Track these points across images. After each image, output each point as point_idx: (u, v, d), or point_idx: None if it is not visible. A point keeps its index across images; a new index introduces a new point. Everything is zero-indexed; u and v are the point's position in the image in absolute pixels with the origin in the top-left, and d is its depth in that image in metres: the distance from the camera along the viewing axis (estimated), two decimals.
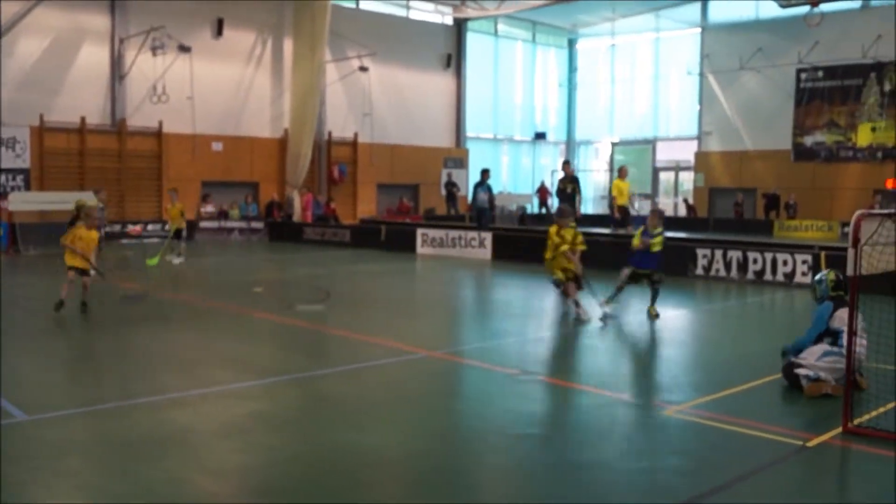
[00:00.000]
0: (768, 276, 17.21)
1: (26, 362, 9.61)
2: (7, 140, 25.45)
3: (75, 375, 9.21)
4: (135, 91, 27.91)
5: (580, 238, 12.67)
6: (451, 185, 34.71)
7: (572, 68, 42.87)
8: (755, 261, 17.41)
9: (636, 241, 12.56)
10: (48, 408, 7.46)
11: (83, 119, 26.88)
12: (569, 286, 12.40)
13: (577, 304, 12.39)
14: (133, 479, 5.63)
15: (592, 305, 12.57)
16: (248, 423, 7.00)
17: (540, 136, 41.48)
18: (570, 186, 22.09)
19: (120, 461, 6.05)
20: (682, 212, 37.51)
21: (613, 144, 41.21)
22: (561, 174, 23.19)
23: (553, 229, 12.66)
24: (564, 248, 12.33)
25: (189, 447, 6.37)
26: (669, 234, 21.88)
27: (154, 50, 26.70)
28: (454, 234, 23.23)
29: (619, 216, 22.79)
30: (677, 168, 39.31)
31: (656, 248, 12.52)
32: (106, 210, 20.33)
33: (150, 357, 9.90)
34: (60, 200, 23.06)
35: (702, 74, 37.18)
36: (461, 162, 37.33)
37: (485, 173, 24.67)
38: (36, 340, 10.90)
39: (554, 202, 32.66)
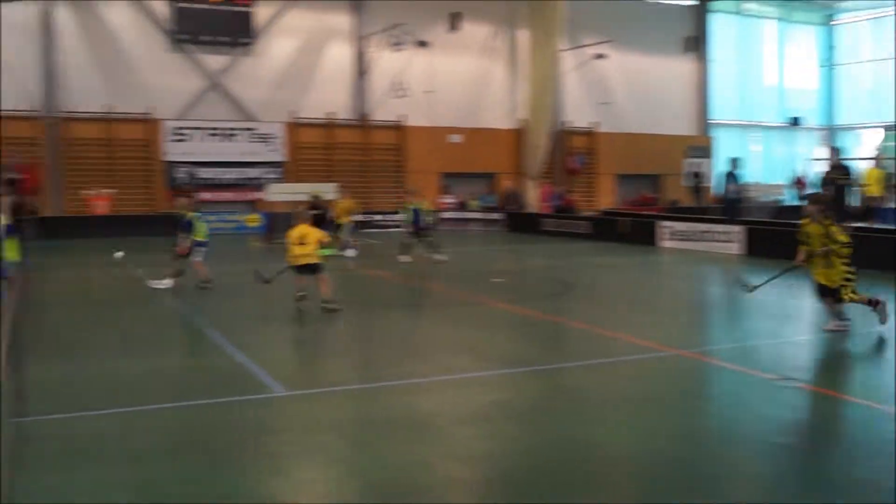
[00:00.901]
0: None
1: (284, 342, 10.28)
2: (264, 136, 27.48)
3: (327, 356, 9.64)
4: (377, 87, 29.20)
5: (837, 234, 9.94)
6: (695, 176, 33.17)
7: (831, 47, 39.52)
8: None
9: None
10: (304, 385, 7.87)
11: (331, 114, 28.43)
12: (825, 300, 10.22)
13: (837, 315, 10.21)
14: (382, 458, 5.73)
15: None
16: (490, 411, 6.93)
17: (795, 122, 38.60)
18: (839, 178, 19.76)
19: (369, 440, 6.18)
20: None
21: (886, 129, 37.35)
22: (825, 163, 21.06)
23: (803, 224, 10.34)
24: (803, 253, 10.15)
25: (434, 431, 6.39)
26: None
27: (394, 46, 27.66)
28: (700, 226, 22.04)
29: (860, 207, 20.28)
30: None
31: None
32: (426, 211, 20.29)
33: (395, 342, 10.15)
34: (309, 191, 24.49)
35: None
36: (706, 150, 35.61)
37: (733, 162, 23.26)
38: (292, 323, 11.53)
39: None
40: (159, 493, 5.15)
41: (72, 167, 25.47)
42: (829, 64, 39.54)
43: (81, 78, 25.50)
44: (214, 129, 27.00)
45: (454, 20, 30.13)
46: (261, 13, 27.54)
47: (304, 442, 6.15)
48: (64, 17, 25.26)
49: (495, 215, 30.08)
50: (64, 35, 25.27)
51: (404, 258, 19.07)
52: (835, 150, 21.83)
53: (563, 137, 32.60)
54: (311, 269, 11.95)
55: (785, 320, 12.08)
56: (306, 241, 11.92)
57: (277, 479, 5.39)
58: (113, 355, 9.27)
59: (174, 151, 26.58)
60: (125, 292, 14.28)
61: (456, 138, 30.71)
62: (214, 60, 27.20)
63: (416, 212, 19.69)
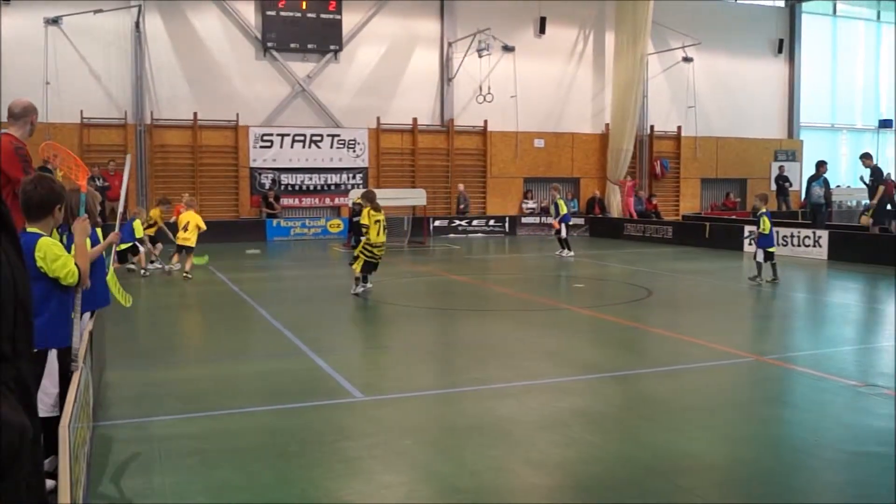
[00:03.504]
0: None
1: (358, 347, 10.42)
2: (348, 142, 27.93)
3: (404, 362, 9.61)
4: (461, 92, 29.30)
5: None
6: (782, 180, 32.39)
7: None
8: None
9: None
10: (381, 390, 7.96)
11: (415, 120, 28.72)
12: None
13: None
14: (460, 463, 5.81)
15: None
16: (568, 417, 6.96)
17: (885, 124, 37.32)
18: None
19: (448, 445, 6.28)
20: None
21: None
22: None
23: None
24: None
25: (512, 437, 6.44)
26: None
27: (480, 52, 27.77)
28: (785, 231, 21.59)
29: None
30: None
31: None
32: None
33: (474, 347, 10.21)
34: (394, 197, 24.84)
35: None
36: (794, 154, 34.71)
37: (820, 166, 22.65)
38: (368, 326, 11.78)
39: None
40: (236, 494, 5.22)
41: (158, 174, 26.01)
42: None
43: (169, 85, 26.04)
44: (299, 135, 27.52)
45: (541, 24, 30.05)
46: (348, 20, 27.88)
47: (383, 446, 6.23)
48: (153, 26, 25.75)
49: (578, 220, 29.92)
50: (153, 43, 25.78)
51: (567, 253, 20.80)
52: None
53: (649, 141, 32.25)
54: (188, 249, 15.87)
55: (869, 326, 11.81)
56: (189, 226, 15.82)
57: (356, 483, 5.49)
58: (190, 359, 9.59)
59: (259, 158, 27.16)
60: (205, 296, 14.65)
61: (540, 143, 30.69)
62: (301, 67, 27.64)
63: (556, 206, 21.28)
